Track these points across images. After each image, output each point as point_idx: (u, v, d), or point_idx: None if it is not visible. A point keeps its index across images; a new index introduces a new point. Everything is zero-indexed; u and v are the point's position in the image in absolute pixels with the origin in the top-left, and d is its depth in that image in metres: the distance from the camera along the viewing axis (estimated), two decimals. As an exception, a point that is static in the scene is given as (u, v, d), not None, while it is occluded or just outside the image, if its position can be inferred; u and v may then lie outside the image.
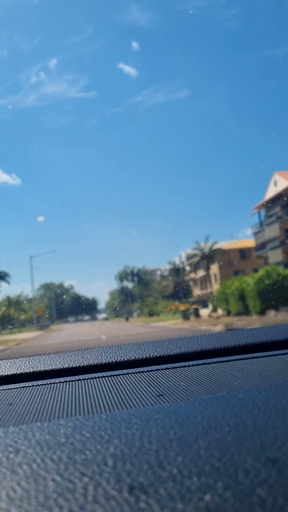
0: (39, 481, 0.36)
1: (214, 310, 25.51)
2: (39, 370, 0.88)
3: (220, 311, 25.12)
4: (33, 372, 0.88)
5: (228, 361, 0.88)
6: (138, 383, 0.76)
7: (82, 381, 0.81)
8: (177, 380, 0.76)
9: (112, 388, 0.74)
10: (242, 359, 0.89)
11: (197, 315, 26.84)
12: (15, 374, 0.87)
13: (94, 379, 0.82)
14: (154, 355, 0.94)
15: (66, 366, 0.90)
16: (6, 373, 0.87)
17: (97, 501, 0.32)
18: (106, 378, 0.82)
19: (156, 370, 0.85)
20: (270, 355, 0.90)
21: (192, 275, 58.81)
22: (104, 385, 0.77)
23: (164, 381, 0.76)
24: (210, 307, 26.81)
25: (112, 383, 0.78)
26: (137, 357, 0.94)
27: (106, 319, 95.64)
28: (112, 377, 0.83)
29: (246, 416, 0.46)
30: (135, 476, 0.35)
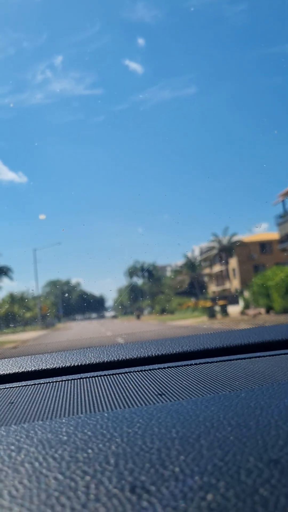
0: (41, 479, 0.36)
1: (247, 306, 21.64)
2: (41, 369, 0.89)
3: (254, 308, 21.21)
4: (35, 370, 0.89)
5: (230, 360, 0.89)
6: (140, 382, 0.76)
7: (84, 379, 0.82)
8: (179, 379, 0.76)
9: (114, 386, 0.75)
10: (244, 358, 0.90)
11: (225, 312, 22.97)
12: (18, 372, 0.88)
13: (96, 378, 0.82)
14: (156, 354, 0.94)
15: (68, 364, 0.91)
16: (8, 372, 0.89)
17: (99, 500, 0.32)
18: (108, 376, 0.83)
19: (158, 368, 0.86)
20: (273, 355, 0.91)
21: (207, 270, 54.82)
22: (106, 383, 0.77)
23: (166, 380, 0.76)
24: (241, 303, 22.84)
25: (114, 381, 0.78)
26: (139, 355, 0.94)
27: (115, 317, 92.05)
28: (114, 375, 0.83)
29: (248, 415, 0.46)
30: (137, 475, 0.35)
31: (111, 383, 0.77)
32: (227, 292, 50.37)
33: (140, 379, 0.78)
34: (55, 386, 0.78)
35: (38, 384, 0.81)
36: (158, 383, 0.74)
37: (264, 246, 51.04)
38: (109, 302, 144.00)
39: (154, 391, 0.69)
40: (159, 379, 0.77)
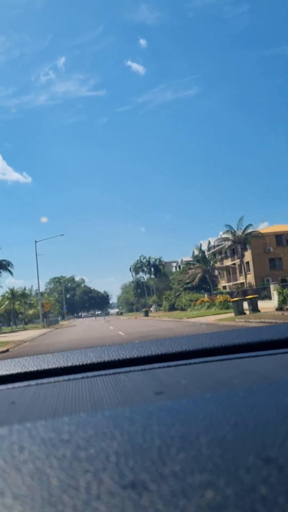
0: (43, 478, 0.36)
1: (283, 301, 18.48)
2: (43, 369, 0.91)
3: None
4: (37, 370, 0.91)
5: (229, 359, 0.90)
6: (141, 381, 0.78)
7: (85, 379, 0.83)
8: (179, 378, 0.77)
9: (115, 385, 0.76)
10: (243, 357, 0.91)
11: (255, 309, 19.77)
12: (20, 372, 0.90)
13: (97, 377, 0.84)
14: (156, 353, 0.96)
15: (69, 364, 0.93)
16: (10, 372, 0.90)
17: (100, 498, 0.33)
18: (109, 376, 0.84)
19: (158, 368, 0.87)
20: (271, 354, 0.92)
21: (220, 263, 51.54)
22: (107, 382, 0.79)
23: (166, 379, 0.77)
24: (275, 297, 19.61)
25: (114, 380, 0.80)
26: (139, 355, 0.96)
27: (120, 313, 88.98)
28: (114, 375, 0.85)
29: (247, 414, 0.47)
30: (137, 473, 0.36)
31: (111, 382, 0.79)
32: (240, 286, 47.27)
33: (140, 378, 0.79)
34: (56, 385, 0.80)
35: (40, 384, 0.83)
36: (158, 382, 0.75)
37: (280, 238, 47.79)
38: (113, 299, 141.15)
39: (154, 390, 0.70)
40: (159, 378, 0.78)
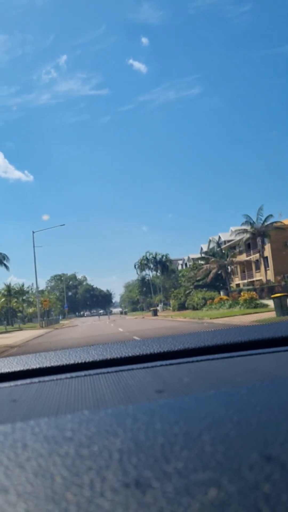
0: (47, 475, 0.36)
1: None
2: (45, 366, 0.92)
3: None
4: (39, 368, 0.91)
5: (231, 357, 0.91)
6: (143, 379, 0.78)
7: (88, 377, 0.84)
8: (181, 375, 0.78)
9: (117, 383, 0.77)
10: (245, 355, 0.91)
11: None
12: (22, 370, 0.91)
13: (100, 375, 0.85)
14: (158, 351, 0.97)
15: (72, 362, 0.94)
16: (13, 370, 0.91)
17: (103, 495, 0.33)
18: (111, 373, 0.85)
19: (160, 365, 0.88)
20: (274, 352, 0.92)
21: (236, 258, 47.21)
22: (109, 380, 0.80)
23: (168, 377, 0.78)
24: None
25: (117, 378, 0.81)
26: (142, 353, 0.96)
27: (124, 313, 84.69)
28: (117, 372, 0.85)
29: (249, 412, 0.47)
30: (140, 471, 0.36)
31: (114, 380, 0.79)
32: (257, 284, 43.08)
33: (143, 376, 0.80)
34: (59, 383, 0.81)
35: (43, 381, 0.83)
36: (161, 380, 0.76)
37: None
38: (115, 298, 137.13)
39: (157, 388, 0.71)
40: (162, 376, 0.79)
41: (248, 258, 46.37)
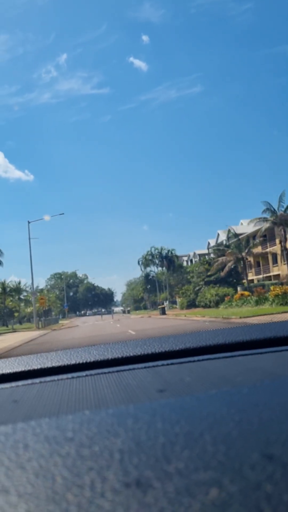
0: (48, 476, 0.36)
1: None
2: (47, 367, 0.92)
3: None
4: (40, 368, 0.92)
5: (232, 356, 0.91)
6: (144, 378, 0.79)
7: (89, 377, 0.84)
8: (182, 375, 0.78)
9: (119, 383, 0.77)
10: (246, 354, 0.91)
11: None
12: (23, 371, 0.91)
13: (101, 375, 0.85)
14: (159, 351, 0.97)
15: (73, 362, 0.94)
16: (14, 370, 0.91)
17: (104, 496, 0.33)
18: (112, 373, 0.85)
19: (161, 365, 0.88)
20: (275, 351, 0.93)
21: (255, 250, 43.16)
22: (111, 380, 0.80)
23: (169, 376, 0.78)
24: None
25: (118, 378, 0.81)
26: (143, 352, 0.97)
27: (127, 311, 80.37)
28: (118, 372, 0.86)
29: (250, 411, 0.47)
30: (141, 471, 0.36)
31: (115, 380, 0.80)
32: (274, 279, 39.19)
33: (144, 376, 0.80)
34: (60, 383, 0.81)
35: (44, 382, 0.84)
36: (162, 380, 0.76)
37: None
38: (117, 296, 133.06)
39: (158, 387, 0.71)
40: (163, 375, 0.79)
41: (264, 251, 42.36)
